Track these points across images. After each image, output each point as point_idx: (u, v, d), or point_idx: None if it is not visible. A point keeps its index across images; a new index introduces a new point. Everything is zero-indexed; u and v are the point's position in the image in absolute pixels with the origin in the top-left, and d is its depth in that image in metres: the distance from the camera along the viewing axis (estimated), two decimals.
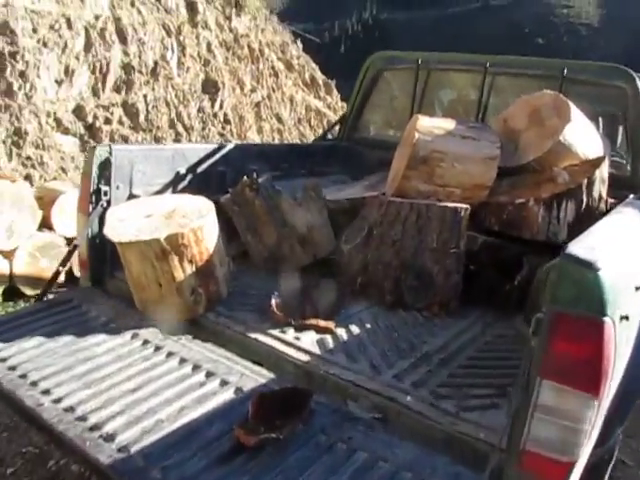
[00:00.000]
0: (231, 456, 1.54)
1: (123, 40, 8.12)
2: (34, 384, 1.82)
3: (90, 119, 7.55)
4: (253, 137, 10.35)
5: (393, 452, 1.59)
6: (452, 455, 1.62)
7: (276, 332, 2.20)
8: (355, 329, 2.29)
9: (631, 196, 2.60)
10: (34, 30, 6.87)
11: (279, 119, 11.02)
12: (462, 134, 2.80)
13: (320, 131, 10.07)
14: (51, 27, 7.09)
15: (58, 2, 7.29)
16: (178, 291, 2.24)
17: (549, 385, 1.39)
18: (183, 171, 2.93)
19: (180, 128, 9.04)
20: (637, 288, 1.56)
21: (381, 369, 1.99)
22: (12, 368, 1.90)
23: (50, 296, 2.63)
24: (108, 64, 7.86)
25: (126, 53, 8.15)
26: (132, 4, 8.34)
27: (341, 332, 2.25)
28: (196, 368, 1.96)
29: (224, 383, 1.88)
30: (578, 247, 1.40)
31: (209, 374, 1.93)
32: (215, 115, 9.70)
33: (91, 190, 2.52)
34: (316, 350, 2.09)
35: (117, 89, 8.08)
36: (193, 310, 2.31)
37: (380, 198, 2.77)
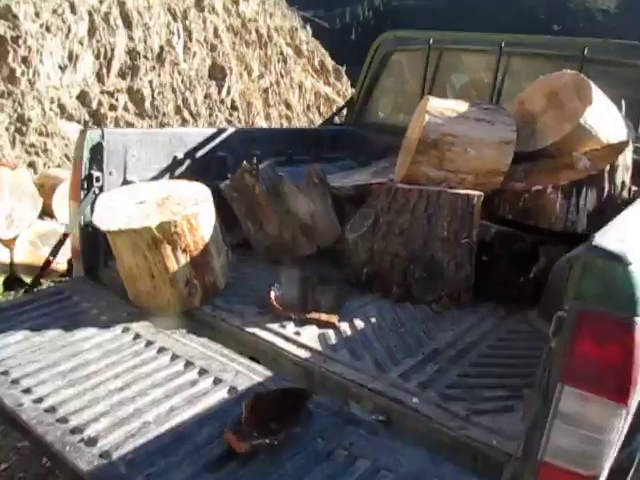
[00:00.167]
0: (221, 463, 1.42)
1: (128, 25, 7.97)
2: (15, 382, 1.71)
3: (95, 105, 7.43)
4: (261, 124, 10.18)
5: (397, 460, 1.46)
6: (461, 463, 1.49)
7: (275, 326, 2.08)
8: (359, 324, 2.15)
9: None
10: (37, 14, 6.73)
11: (288, 105, 10.84)
12: (475, 116, 2.63)
13: None
14: (54, 11, 6.95)
15: None
16: (172, 282, 2.12)
17: (571, 392, 1.25)
18: (181, 156, 2.80)
19: (186, 114, 8.90)
20: None
21: (386, 367, 1.85)
22: None
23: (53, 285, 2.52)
24: (113, 49, 7.72)
25: (131, 38, 8.01)
26: None
27: (344, 327, 2.12)
28: (189, 365, 1.84)
29: (217, 381, 1.76)
30: (605, 238, 1.25)
31: (202, 372, 1.80)
32: (222, 101, 9.54)
33: (82, 176, 2.40)
34: (317, 346, 1.96)
35: (122, 75, 7.94)
36: (188, 302, 2.19)
37: (388, 185, 2.62)
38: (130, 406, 1.61)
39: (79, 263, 2.52)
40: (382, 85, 4.03)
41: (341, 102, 11.29)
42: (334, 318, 2.13)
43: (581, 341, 1.23)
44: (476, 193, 2.43)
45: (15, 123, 6.46)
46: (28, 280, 4.44)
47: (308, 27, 12.77)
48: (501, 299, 2.45)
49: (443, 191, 2.44)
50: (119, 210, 2.11)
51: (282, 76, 10.62)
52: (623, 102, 3.00)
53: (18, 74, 6.43)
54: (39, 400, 1.63)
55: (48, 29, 6.85)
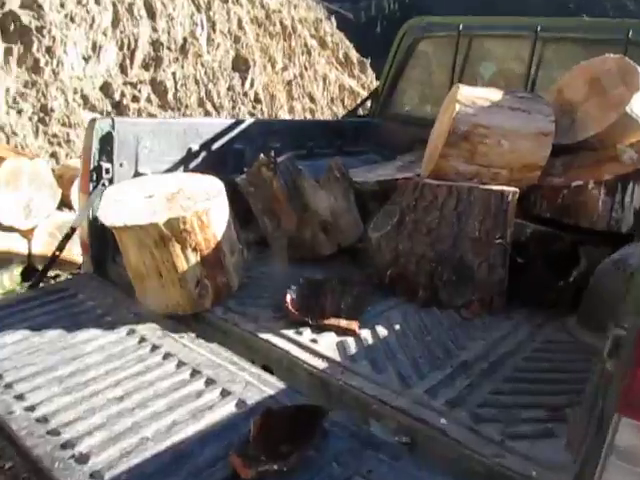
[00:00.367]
0: None
1: (152, 15, 7.89)
2: (8, 386, 1.59)
3: (117, 96, 7.37)
4: (284, 117, 10.04)
5: None
6: None
7: (291, 333, 1.92)
8: (382, 331, 1.98)
9: None
10: (61, 5, 6.68)
11: (311, 98, 10.67)
12: (510, 106, 2.43)
13: None
14: (79, 2, 6.89)
15: None
16: (181, 282, 1.98)
17: (631, 424, 1.06)
18: (196, 148, 2.66)
19: (209, 107, 8.80)
20: None
21: (411, 381, 1.68)
22: None
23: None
24: (136, 40, 7.65)
25: (155, 29, 7.93)
26: None
27: (365, 334, 1.95)
28: (195, 374, 1.70)
29: (225, 393, 1.61)
30: None
31: (209, 381, 1.66)
32: (245, 94, 9.42)
33: (91, 167, 2.27)
34: (335, 356, 1.80)
35: (145, 66, 7.87)
36: (198, 304, 2.05)
37: (414, 180, 2.44)
38: (128, 419, 1.47)
39: (87, 258, 2.40)
40: (408, 75, 3.83)
41: (365, 95, 11.08)
42: (354, 324, 1.96)
43: None
44: (511, 189, 2.23)
45: (38, 113, 6.43)
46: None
47: (333, 19, 12.56)
48: (537, 305, 2.25)
49: (475, 187, 2.25)
50: (126, 204, 1.98)
51: (306, 68, 10.44)
52: None
53: (42, 64, 6.39)
54: (31, 408, 1.50)
55: (72, 19, 6.80)
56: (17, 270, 4.34)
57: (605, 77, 2.56)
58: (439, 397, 1.61)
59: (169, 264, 1.94)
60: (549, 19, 3.20)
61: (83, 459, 1.33)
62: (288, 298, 2.02)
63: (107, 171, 2.29)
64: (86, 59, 6.98)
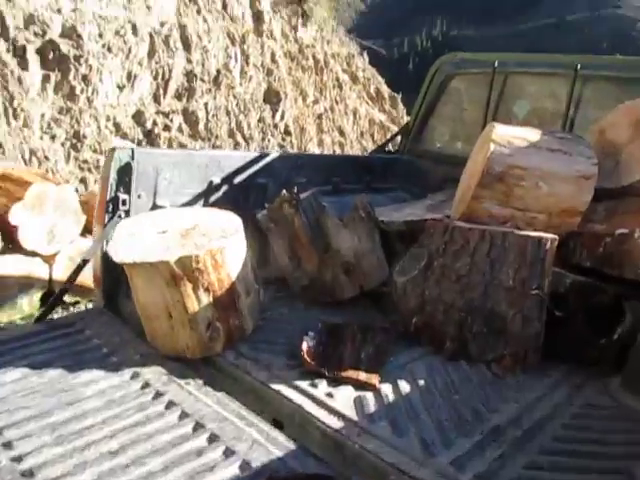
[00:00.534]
0: None
1: (187, 47, 8.05)
2: None
3: (149, 125, 7.48)
4: (314, 150, 10.06)
5: None
6: None
7: (305, 385, 1.77)
8: (405, 386, 1.82)
9: None
10: (100, 35, 6.85)
11: (341, 132, 10.69)
12: (549, 146, 2.29)
13: None
14: (117, 32, 7.07)
15: (125, 8, 7.27)
16: (191, 324, 1.86)
17: None
18: (217, 181, 2.58)
19: (239, 138, 8.87)
20: None
21: (435, 449, 1.51)
22: None
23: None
24: (170, 71, 7.79)
25: (189, 60, 8.07)
26: (198, 12, 8.27)
27: (386, 390, 1.79)
28: (198, 428, 1.55)
29: (229, 453, 1.46)
30: None
31: (213, 438, 1.52)
32: (276, 126, 9.49)
33: (107, 198, 2.20)
34: (352, 414, 1.64)
35: (178, 96, 8.00)
36: (208, 347, 1.92)
37: (444, 222, 2.29)
38: (121, 478, 1.34)
39: (99, 292, 2.31)
40: (440, 112, 3.73)
41: (396, 130, 11.05)
42: (374, 378, 1.80)
43: None
44: (549, 236, 2.06)
45: (71, 139, 6.54)
46: (65, 297, 4.34)
47: (365, 55, 12.67)
48: (577, 363, 2.06)
49: (510, 232, 2.09)
50: (138, 239, 1.89)
51: (337, 102, 10.49)
52: None
53: (77, 92, 6.52)
54: (18, 459, 1.38)
55: (110, 49, 6.95)
56: (37, 295, 4.30)
57: None
58: (467, 470, 1.43)
59: (179, 304, 1.83)
60: (588, 57, 3.07)
61: None
62: (304, 346, 1.88)
63: (124, 202, 2.22)
64: (120, 88, 7.12)
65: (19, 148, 5.99)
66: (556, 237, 2.07)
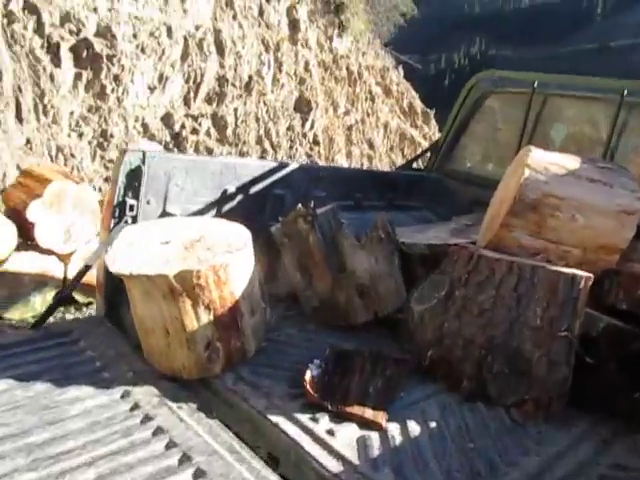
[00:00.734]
0: None
1: (221, 52, 8.03)
2: None
3: (177, 128, 7.47)
4: (341, 161, 9.94)
5: None
6: None
7: (305, 418, 1.63)
8: (414, 428, 1.66)
9: None
10: (134, 35, 6.87)
11: (370, 145, 10.56)
12: (589, 176, 2.11)
13: None
14: (151, 34, 7.08)
15: (161, 10, 7.30)
16: (189, 343, 1.74)
17: None
18: (232, 190, 2.47)
19: (267, 145, 8.82)
20: None
21: None
22: None
23: None
24: (202, 74, 7.78)
25: (222, 65, 8.05)
26: (234, 17, 8.26)
27: (393, 430, 1.63)
28: (184, 460, 1.43)
29: None
30: None
31: (199, 474, 1.39)
32: (304, 135, 9.41)
33: (115, 202, 2.10)
34: (353, 456, 1.49)
35: (208, 100, 7.98)
36: (206, 368, 1.79)
37: (469, 249, 2.14)
38: None
39: (101, 300, 2.21)
40: (472, 130, 3.57)
41: (427, 146, 10.87)
42: (381, 416, 1.65)
43: None
44: (584, 274, 1.89)
45: (98, 138, 6.55)
46: (78, 298, 4.29)
47: (400, 69, 12.55)
48: (606, 415, 1.87)
49: (540, 266, 1.92)
50: (139, 249, 1.78)
51: (368, 115, 10.37)
52: None
53: (108, 91, 6.53)
54: None
55: (143, 50, 6.97)
56: (50, 294, 4.25)
57: None
58: None
59: (177, 321, 1.71)
60: (637, 82, 2.88)
61: None
62: (307, 376, 1.74)
63: (131, 208, 2.12)
64: (151, 89, 7.12)
65: (46, 144, 6.02)
66: (591, 275, 1.90)
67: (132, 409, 1.62)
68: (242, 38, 8.38)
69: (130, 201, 2.11)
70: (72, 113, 6.20)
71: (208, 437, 1.53)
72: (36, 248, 4.10)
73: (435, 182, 3.51)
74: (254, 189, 2.55)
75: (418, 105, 11.77)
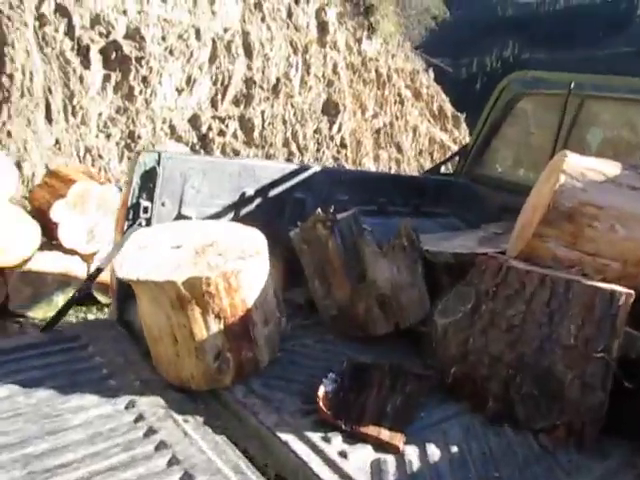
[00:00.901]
0: None
1: (249, 54, 8.01)
2: None
3: (204, 129, 7.46)
4: (369, 165, 9.82)
5: None
6: None
7: (317, 437, 1.53)
8: (434, 452, 1.54)
9: None
10: (163, 38, 6.90)
11: (399, 148, 10.41)
12: (630, 184, 1.96)
13: None
14: (180, 36, 7.10)
15: (190, 12, 7.31)
16: (198, 353, 1.66)
17: None
18: (251, 192, 2.39)
19: (294, 148, 8.76)
20: None
21: None
22: None
23: None
24: (230, 77, 7.77)
25: (249, 67, 8.03)
26: (262, 19, 8.23)
27: (411, 454, 1.52)
28: (187, 479, 1.34)
29: None
30: None
31: None
32: (332, 138, 9.32)
33: (129, 204, 2.04)
34: None
35: (236, 102, 7.96)
36: (215, 379, 1.71)
37: (498, 259, 2.01)
38: None
39: (114, 303, 2.16)
40: (504, 134, 3.42)
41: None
42: (399, 438, 1.54)
43: None
44: (624, 290, 1.74)
45: (125, 139, 6.58)
46: (100, 298, 4.28)
47: (431, 71, 12.35)
48: None
49: (575, 280, 1.78)
50: (149, 253, 1.71)
51: (397, 118, 10.22)
52: None
53: (136, 92, 6.56)
54: None
55: (172, 52, 6.99)
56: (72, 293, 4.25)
57: None
58: None
59: (186, 330, 1.63)
60: None
61: None
62: (321, 392, 1.64)
63: (145, 210, 2.05)
64: (179, 91, 7.13)
65: (75, 145, 6.07)
66: (632, 292, 1.75)
67: (136, 421, 1.55)
68: (270, 40, 8.34)
69: (144, 203, 2.05)
70: (100, 114, 6.25)
71: (213, 455, 1.44)
72: (59, 248, 4.11)
73: (463, 187, 3.37)
74: (273, 192, 2.47)
75: (448, 109, 11.56)
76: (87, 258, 4.31)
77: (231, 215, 2.35)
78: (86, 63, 5.98)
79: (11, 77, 5.31)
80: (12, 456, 1.35)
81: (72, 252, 4.18)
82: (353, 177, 2.95)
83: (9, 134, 5.34)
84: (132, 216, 2.05)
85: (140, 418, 1.56)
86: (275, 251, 1.92)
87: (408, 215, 2.91)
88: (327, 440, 1.52)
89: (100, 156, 6.25)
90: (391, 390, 1.78)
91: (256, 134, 8.16)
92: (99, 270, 2.07)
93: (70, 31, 5.86)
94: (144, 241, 1.79)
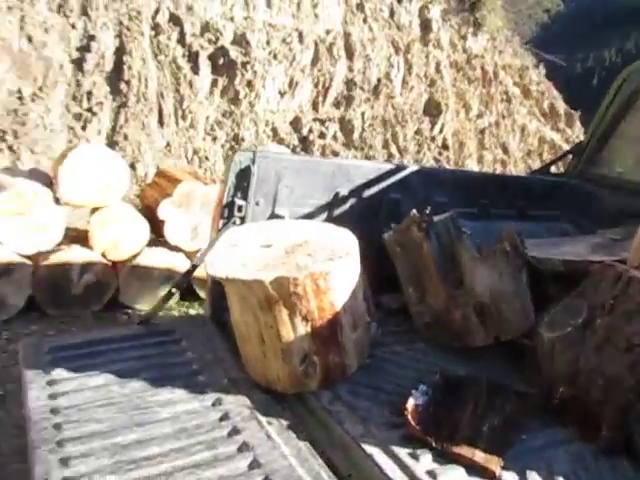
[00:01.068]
0: None
1: (350, 55, 8.01)
2: (60, 444, 1.38)
3: (305, 131, 7.56)
4: (472, 166, 9.44)
5: None
6: None
7: (404, 454, 1.43)
8: None
9: None
10: (267, 42, 7.09)
11: (505, 149, 9.90)
12: None
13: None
14: (283, 40, 7.26)
15: (294, 16, 7.45)
16: (284, 354, 1.63)
17: None
18: (344, 193, 2.33)
19: (393, 149, 8.62)
20: None
21: None
22: (55, 411, 1.50)
23: None
24: (332, 79, 7.81)
25: (351, 69, 8.03)
26: (364, 20, 8.20)
27: None
28: None
29: None
30: None
31: None
32: (433, 139, 9.07)
33: (224, 203, 2.07)
34: None
35: (336, 104, 7.99)
36: (302, 382, 1.67)
37: (617, 268, 1.78)
38: None
39: (208, 299, 2.20)
40: (625, 130, 3.08)
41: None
42: (495, 462, 1.40)
43: None
44: None
45: (230, 141, 6.83)
46: (202, 294, 4.45)
47: (542, 67, 11.63)
48: None
49: None
50: (240, 251, 1.71)
51: (503, 117, 9.73)
52: None
53: (241, 96, 6.79)
54: None
55: (275, 56, 7.16)
56: (175, 289, 4.45)
57: None
58: None
59: (273, 331, 1.61)
60: None
61: None
62: (410, 404, 1.54)
63: (240, 209, 2.07)
64: (282, 94, 7.29)
65: (184, 147, 6.40)
66: None
67: (221, 419, 1.54)
68: (372, 41, 8.28)
69: (239, 202, 2.07)
70: (208, 118, 6.54)
71: (295, 461, 1.40)
72: (165, 244, 4.32)
73: (577, 189, 3.08)
74: (368, 192, 2.40)
75: (561, 106, 10.81)
76: (191, 255, 4.49)
77: (324, 215, 2.31)
78: (195, 69, 6.29)
79: (128, 83, 5.71)
80: (102, 444, 1.40)
81: (177, 249, 4.37)
82: (452, 177, 2.79)
83: (125, 137, 5.75)
84: (227, 214, 2.08)
85: (225, 417, 1.55)
86: (367, 254, 1.85)
87: (512, 218, 2.71)
88: (415, 457, 1.42)
89: (206, 158, 6.54)
90: (488, 408, 1.64)
91: (356, 136, 8.14)
92: (194, 267, 2.12)
93: (182, 39, 6.18)
94: (236, 239, 1.79)
